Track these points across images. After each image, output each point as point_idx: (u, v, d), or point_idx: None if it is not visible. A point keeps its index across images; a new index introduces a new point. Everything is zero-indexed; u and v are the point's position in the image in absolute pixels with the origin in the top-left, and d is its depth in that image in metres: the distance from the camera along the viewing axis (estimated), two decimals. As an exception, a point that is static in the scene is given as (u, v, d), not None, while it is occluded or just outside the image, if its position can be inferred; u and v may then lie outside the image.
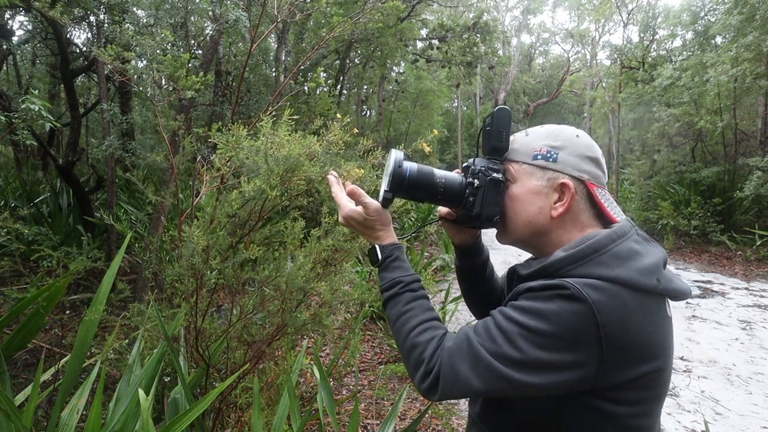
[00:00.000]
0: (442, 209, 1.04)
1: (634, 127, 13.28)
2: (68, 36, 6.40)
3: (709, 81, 8.87)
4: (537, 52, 32.10)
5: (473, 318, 1.13)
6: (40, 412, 2.04)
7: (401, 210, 1.87)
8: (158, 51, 3.05)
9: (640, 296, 0.75)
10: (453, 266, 1.43)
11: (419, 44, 12.69)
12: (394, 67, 14.82)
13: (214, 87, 7.08)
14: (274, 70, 9.38)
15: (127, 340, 2.28)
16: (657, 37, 13.48)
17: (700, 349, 4.27)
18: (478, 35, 11.40)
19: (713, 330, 4.82)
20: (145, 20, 5.55)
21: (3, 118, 3.11)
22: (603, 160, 0.90)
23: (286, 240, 1.76)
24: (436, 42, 11.91)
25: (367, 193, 0.99)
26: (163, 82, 3.19)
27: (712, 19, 10.29)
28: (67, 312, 3.29)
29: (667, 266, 0.83)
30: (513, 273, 0.96)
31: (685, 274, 7.56)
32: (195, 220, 1.78)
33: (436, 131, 2.90)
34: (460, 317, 4.82)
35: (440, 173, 0.95)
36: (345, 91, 14.68)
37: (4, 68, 8.69)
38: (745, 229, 9.03)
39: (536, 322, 0.74)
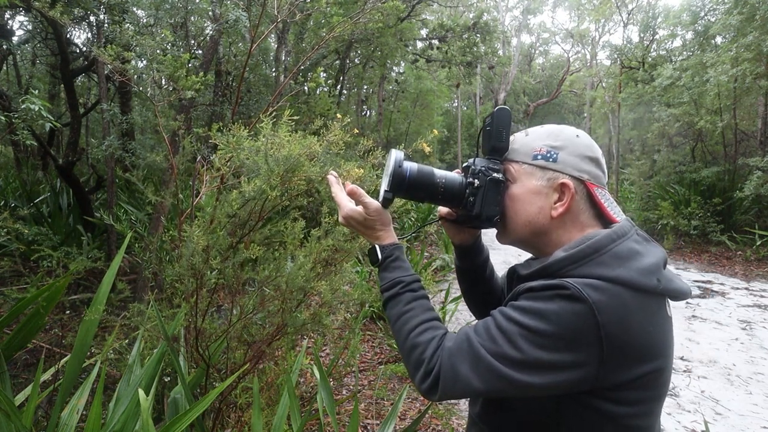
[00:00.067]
0: (442, 209, 1.04)
1: (634, 127, 13.28)
2: (68, 36, 6.40)
3: (709, 81, 8.87)
4: (537, 52, 32.11)
5: (473, 318, 1.13)
6: (40, 412, 2.04)
7: (401, 210, 1.87)
8: (158, 51, 3.06)
9: (640, 296, 0.75)
10: (453, 266, 1.43)
11: (419, 44, 12.68)
12: (394, 67, 14.82)
13: (214, 87, 7.08)
14: (274, 70, 9.38)
15: (127, 340, 2.28)
16: (657, 37, 13.49)
17: (700, 349, 4.27)
18: (478, 35, 11.40)
19: (713, 330, 4.82)
20: (145, 20, 5.55)
21: (3, 118, 3.11)
22: (603, 160, 0.90)
23: (286, 240, 1.76)
24: (436, 42, 11.91)
25: (367, 193, 0.98)
26: (163, 82, 3.19)
27: (712, 19, 10.29)
28: (67, 312, 3.29)
29: (667, 266, 0.83)
30: (513, 273, 0.96)
31: (685, 274, 7.56)
32: (195, 220, 1.78)
33: (436, 131, 2.90)
34: (460, 317, 4.82)
35: (440, 173, 0.95)
36: (345, 91, 14.68)
37: (4, 68, 8.69)
38: (745, 229, 9.03)
39: (536, 322, 0.74)
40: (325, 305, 1.77)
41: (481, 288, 1.12)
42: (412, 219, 9.06)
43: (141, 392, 1.33)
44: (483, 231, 1.04)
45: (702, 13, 10.76)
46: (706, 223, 9.25)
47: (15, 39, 6.20)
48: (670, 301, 0.83)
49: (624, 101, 12.69)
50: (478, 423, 0.91)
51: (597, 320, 0.71)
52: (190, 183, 2.40)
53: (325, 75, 11.79)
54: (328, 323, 1.79)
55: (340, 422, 2.59)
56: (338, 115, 1.67)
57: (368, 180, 1.59)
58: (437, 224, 1.16)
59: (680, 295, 0.80)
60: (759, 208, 9.47)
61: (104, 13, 4.67)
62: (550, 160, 0.87)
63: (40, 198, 6.12)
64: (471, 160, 0.93)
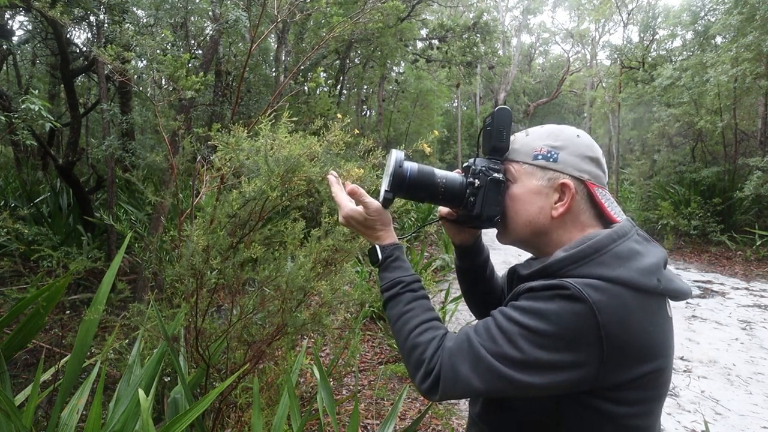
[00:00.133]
0: (443, 209, 1.04)
1: (634, 127, 13.28)
2: (68, 36, 6.40)
3: (709, 81, 8.87)
4: (537, 52, 32.11)
5: (473, 318, 1.13)
6: (40, 412, 2.04)
7: (401, 210, 1.86)
8: (158, 51, 3.06)
9: (640, 296, 0.75)
10: (453, 266, 1.43)
11: (419, 44, 12.68)
12: (394, 67, 14.81)
13: (214, 87, 7.08)
14: (274, 70, 9.38)
15: (127, 340, 2.28)
16: (657, 37, 13.49)
17: (700, 349, 4.27)
18: (478, 35, 11.40)
19: (713, 330, 4.82)
20: (145, 20, 5.55)
21: (3, 118, 3.11)
22: (603, 160, 0.90)
23: (286, 240, 1.76)
24: (436, 42, 11.91)
25: (368, 193, 0.98)
26: (163, 82, 3.19)
27: (712, 19, 10.29)
28: (67, 312, 3.29)
29: (668, 266, 0.83)
30: (513, 273, 0.96)
31: (685, 274, 7.56)
32: (195, 220, 1.78)
33: (436, 131, 2.89)
34: (460, 317, 4.82)
35: (441, 173, 0.95)
36: (345, 91, 14.68)
37: (4, 68, 8.69)
38: (745, 229, 9.03)
39: (537, 322, 0.74)
40: (325, 305, 1.77)
41: (481, 288, 1.12)
42: (412, 219, 9.06)
43: (141, 392, 1.33)
44: (483, 231, 1.04)
45: (702, 13, 10.76)
46: (706, 223, 9.25)
47: (15, 39, 6.20)
48: (670, 301, 0.82)
49: (624, 101, 12.69)
50: (478, 423, 0.91)
51: (597, 320, 0.71)
52: (190, 183, 2.40)
53: (325, 75, 11.79)
54: (328, 323, 1.79)
55: (340, 422, 2.59)
56: (338, 115, 1.67)
57: (368, 180, 1.59)
58: (437, 224, 1.16)
59: (680, 295, 0.80)
60: (759, 208, 9.47)
61: (104, 13, 4.68)
62: (551, 160, 0.87)
63: (40, 198, 6.12)
64: (471, 160, 0.93)
